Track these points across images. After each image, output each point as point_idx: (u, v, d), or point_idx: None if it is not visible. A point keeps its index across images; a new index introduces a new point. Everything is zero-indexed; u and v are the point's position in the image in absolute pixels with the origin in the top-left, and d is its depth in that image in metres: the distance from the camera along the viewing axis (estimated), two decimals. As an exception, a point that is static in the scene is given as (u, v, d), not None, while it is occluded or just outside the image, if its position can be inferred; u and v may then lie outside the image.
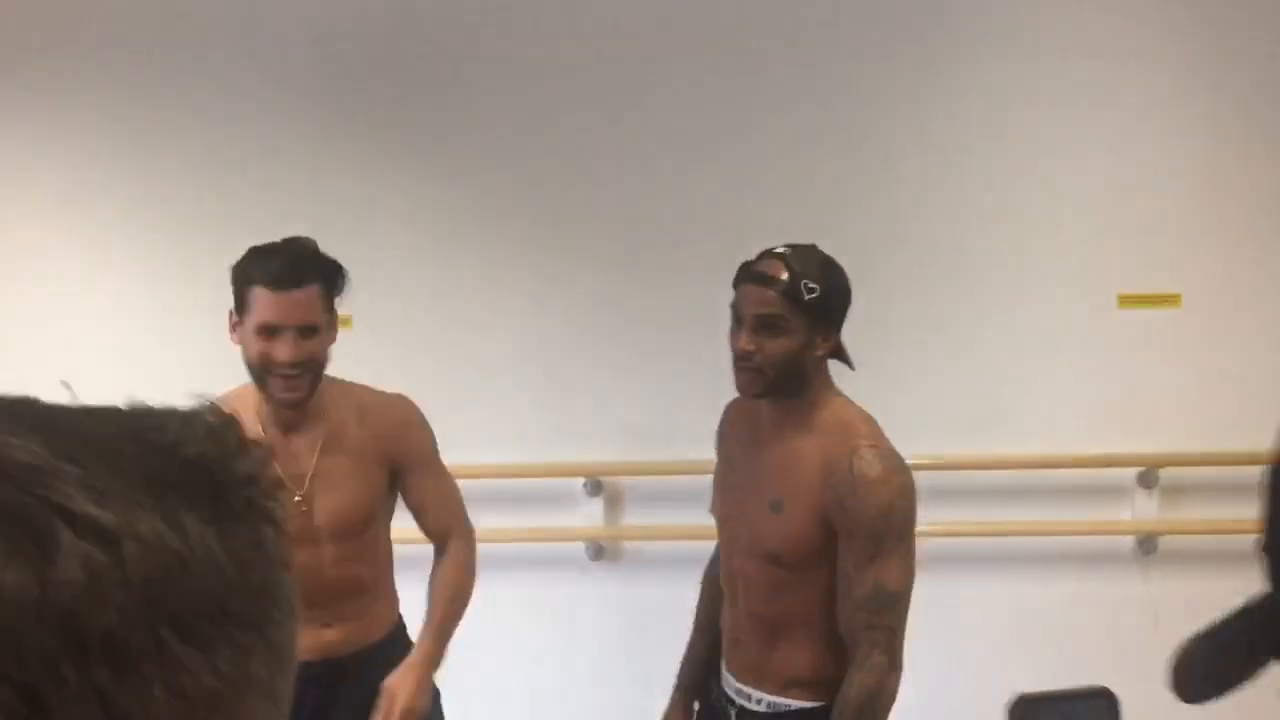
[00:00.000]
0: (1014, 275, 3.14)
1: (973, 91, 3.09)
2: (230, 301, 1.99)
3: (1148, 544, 3.21)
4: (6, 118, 3.24)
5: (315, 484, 2.09)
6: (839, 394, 1.95)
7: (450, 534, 2.23)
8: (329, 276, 2.01)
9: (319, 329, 1.99)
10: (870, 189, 3.13)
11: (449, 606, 2.19)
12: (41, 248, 3.27)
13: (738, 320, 1.90)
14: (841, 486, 1.83)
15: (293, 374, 1.99)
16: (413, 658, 2.14)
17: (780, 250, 1.88)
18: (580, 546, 3.29)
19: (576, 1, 3.15)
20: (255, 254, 2.00)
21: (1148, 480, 3.17)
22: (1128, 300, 3.13)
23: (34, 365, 3.24)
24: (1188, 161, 3.09)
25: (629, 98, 3.13)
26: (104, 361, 3.27)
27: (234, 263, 2.00)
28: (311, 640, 2.00)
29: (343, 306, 2.06)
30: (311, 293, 1.97)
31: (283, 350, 1.96)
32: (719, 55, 3.08)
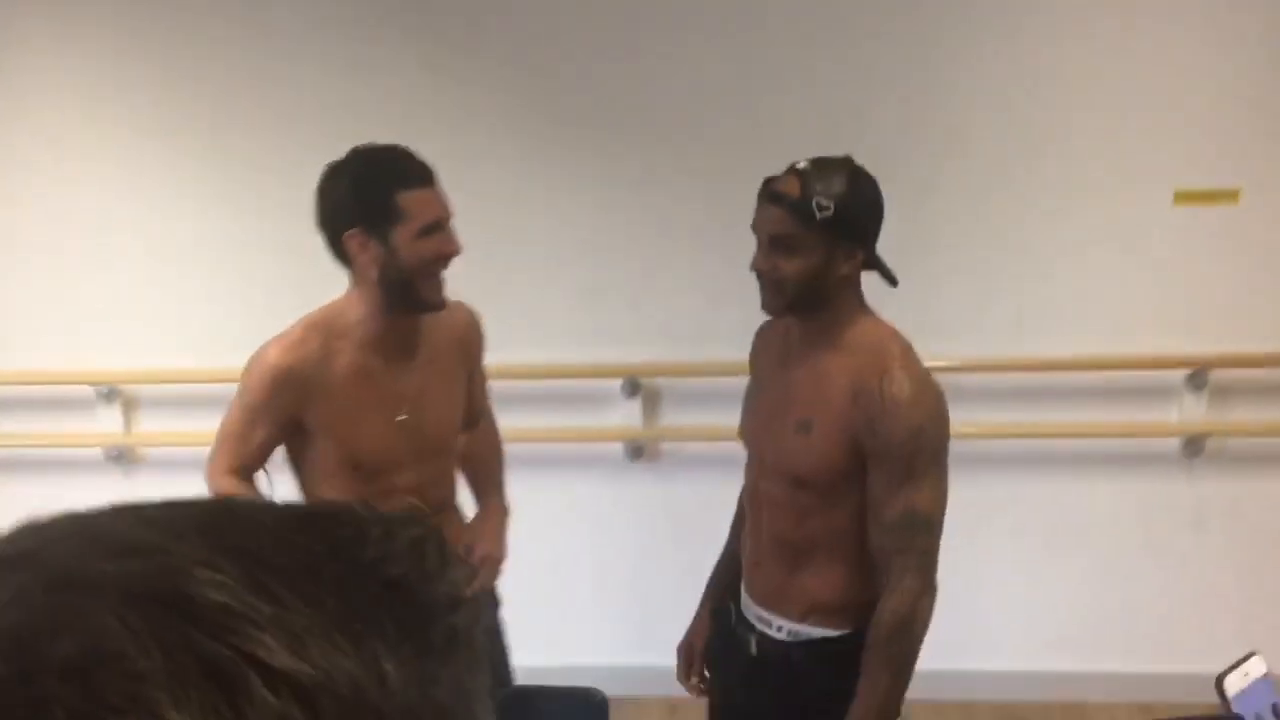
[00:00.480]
0: (1064, 169, 3.04)
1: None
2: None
3: (1194, 446, 3.16)
4: (20, 22, 3.20)
5: (423, 401, 2.04)
6: (870, 312, 1.90)
7: (482, 413, 2.32)
8: None
9: None
10: (915, 81, 3.02)
11: (500, 466, 2.31)
12: (67, 152, 3.26)
13: (757, 239, 1.86)
14: (871, 408, 1.79)
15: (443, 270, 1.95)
16: (485, 510, 2.23)
17: (801, 165, 1.81)
18: (618, 446, 3.31)
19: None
20: (385, 161, 1.88)
21: (1197, 381, 3.11)
22: (1183, 196, 3.02)
23: (63, 272, 3.29)
24: (1251, 51, 2.94)
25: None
26: (131, 267, 3.29)
27: (347, 182, 1.86)
28: None
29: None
30: None
31: (454, 241, 1.93)
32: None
